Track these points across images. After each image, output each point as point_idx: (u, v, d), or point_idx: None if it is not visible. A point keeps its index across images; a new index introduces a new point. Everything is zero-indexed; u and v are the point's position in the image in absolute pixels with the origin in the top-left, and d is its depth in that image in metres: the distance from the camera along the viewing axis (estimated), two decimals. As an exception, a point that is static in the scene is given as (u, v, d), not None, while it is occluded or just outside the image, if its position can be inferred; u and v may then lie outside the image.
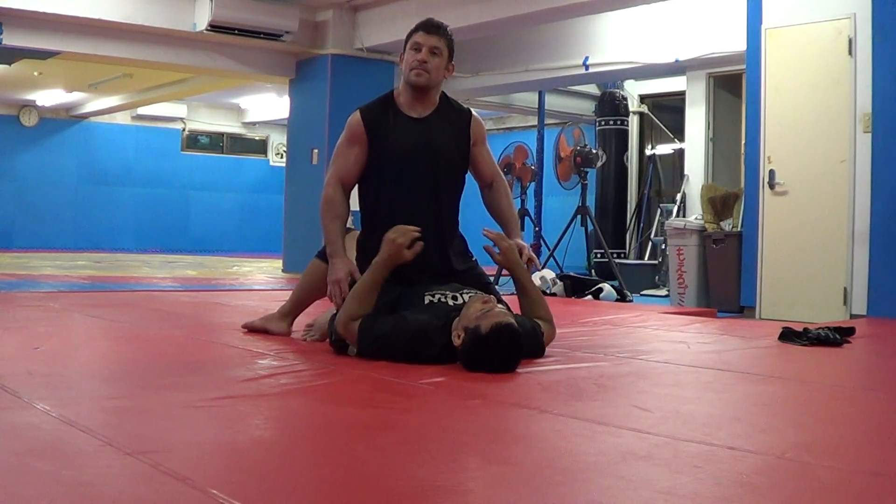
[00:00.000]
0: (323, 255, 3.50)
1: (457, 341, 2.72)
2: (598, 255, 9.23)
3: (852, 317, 5.47)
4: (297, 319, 3.59)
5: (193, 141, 16.12)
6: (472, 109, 3.28)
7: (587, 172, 8.79)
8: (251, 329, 3.61)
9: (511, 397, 2.41)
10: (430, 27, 3.11)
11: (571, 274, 7.47)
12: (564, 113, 11.77)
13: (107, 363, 2.99)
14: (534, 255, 3.12)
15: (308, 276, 3.51)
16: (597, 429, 1.98)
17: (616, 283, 7.54)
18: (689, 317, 5.06)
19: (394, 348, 2.79)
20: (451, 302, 2.87)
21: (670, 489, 1.50)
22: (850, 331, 3.80)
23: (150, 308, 4.77)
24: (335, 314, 3.17)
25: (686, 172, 9.00)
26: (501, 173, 3.36)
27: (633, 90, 11.21)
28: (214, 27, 8.32)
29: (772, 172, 6.07)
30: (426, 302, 2.87)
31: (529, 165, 9.57)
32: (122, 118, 15.25)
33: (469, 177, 3.32)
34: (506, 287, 4.19)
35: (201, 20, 8.34)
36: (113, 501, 1.39)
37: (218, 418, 2.03)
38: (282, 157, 14.90)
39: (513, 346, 2.71)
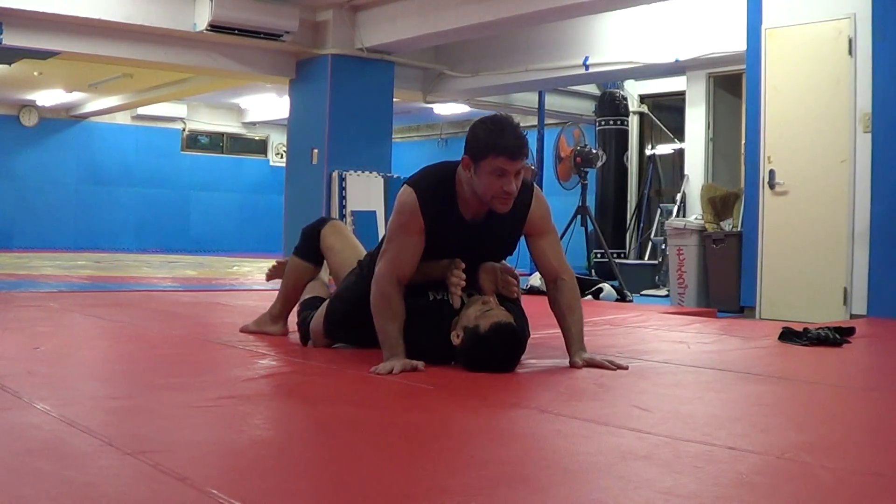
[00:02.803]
0: (300, 252, 3.45)
1: (456, 340, 2.72)
2: (598, 255, 9.23)
3: (852, 317, 5.47)
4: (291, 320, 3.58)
5: (193, 141, 16.12)
6: (534, 194, 2.86)
7: (587, 172, 8.80)
8: (248, 332, 3.60)
9: (511, 397, 2.42)
10: (517, 152, 2.64)
11: (571, 274, 7.45)
12: (564, 113, 11.77)
13: (107, 363, 2.99)
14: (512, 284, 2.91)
15: (291, 275, 3.47)
16: (597, 429, 1.98)
17: (616, 283, 7.54)
18: (689, 317, 5.06)
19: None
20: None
21: (670, 489, 1.50)
22: (850, 331, 3.80)
23: (150, 308, 4.77)
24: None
25: (686, 172, 9.01)
26: (569, 269, 2.94)
27: (633, 90, 11.21)
28: (214, 27, 8.32)
29: (772, 172, 6.07)
30: (430, 298, 2.86)
31: (529, 165, 9.57)
32: (122, 118, 15.24)
33: None
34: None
35: (201, 20, 8.34)
36: (113, 501, 1.39)
37: (218, 418, 2.03)
38: (282, 157, 14.90)
39: (512, 346, 2.71)
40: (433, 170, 2.87)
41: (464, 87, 10.34)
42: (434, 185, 2.78)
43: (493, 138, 2.64)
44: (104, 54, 8.66)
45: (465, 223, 2.80)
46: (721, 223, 6.98)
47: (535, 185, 2.93)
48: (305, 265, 3.43)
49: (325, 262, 3.44)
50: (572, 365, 2.82)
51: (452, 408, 2.26)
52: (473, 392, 2.43)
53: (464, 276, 2.78)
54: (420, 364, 2.65)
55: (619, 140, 10.82)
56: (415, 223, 2.75)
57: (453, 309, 2.81)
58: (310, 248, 3.42)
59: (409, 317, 2.77)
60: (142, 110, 14.89)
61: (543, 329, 3.35)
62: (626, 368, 2.81)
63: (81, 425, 1.85)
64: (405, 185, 2.82)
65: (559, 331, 2.92)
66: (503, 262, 3.03)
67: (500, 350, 2.68)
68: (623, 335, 3.97)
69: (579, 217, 8.62)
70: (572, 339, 2.87)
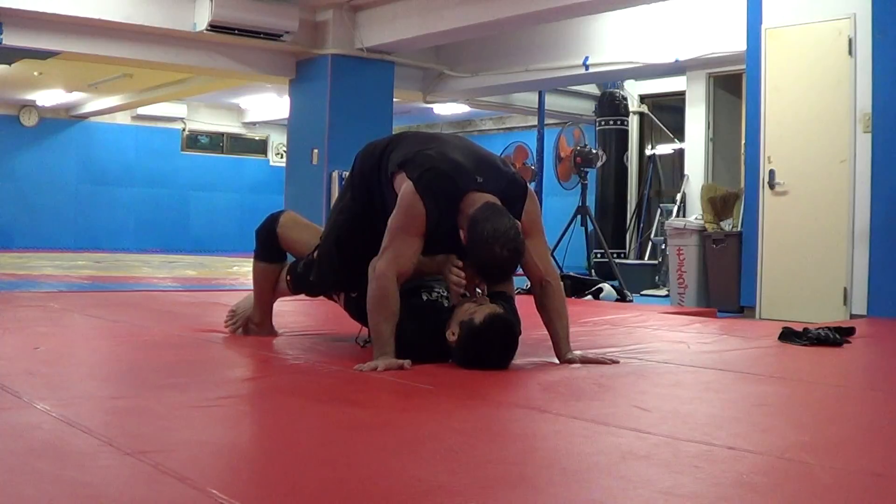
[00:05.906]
0: (261, 256, 3.40)
1: (451, 338, 2.73)
2: (598, 255, 9.23)
3: (852, 317, 5.47)
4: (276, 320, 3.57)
5: (193, 141, 16.12)
6: (528, 193, 2.89)
7: (587, 172, 8.80)
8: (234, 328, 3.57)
9: (511, 397, 2.42)
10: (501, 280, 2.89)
11: (571, 274, 7.47)
12: (564, 113, 11.76)
13: (107, 363, 2.99)
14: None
15: (260, 280, 3.43)
16: (597, 429, 1.98)
17: (616, 283, 7.54)
18: (689, 317, 5.06)
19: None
20: (445, 302, 2.89)
21: (670, 489, 1.50)
22: (850, 331, 3.80)
23: (150, 308, 4.77)
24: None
25: (686, 172, 9.00)
26: (555, 272, 2.98)
27: (633, 90, 11.21)
28: (214, 27, 8.31)
29: (772, 172, 6.07)
30: (424, 299, 2.87)
31: (529, 165, 9.58)
32: (122, 118, 15.24)
33: None
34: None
35: (201, 20, 8.33)
36: (113, 501, 1.39)
37: (218, 418, 2.03)
38: (282, 157, 14.90)
39: (508, 336, 2.75)
40: (442, 177, 2.76)
41: (464, 87, 10.33)
42: (443, 199, 2.74)
43: (484, 273, 2.74)
44: (104, 54, 8.65)
45: (460, 228, 2.78)
46: (721, 223, 6.98)
47: (528, 185, 2.95)
48: (271, 267, 3.40)
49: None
50: (567, 361, 2.87)
51: (452, 408, 2.26)
52: (473, 392, 2.43)
53: (463, 273, 2.79)
54: (406, 363, 2.68)
55: (619, 140, 10.82)
56: (419, 227, 2.75)
57: (445, 308, 2.83)
58: (270, 248, 3.38)
59: (404, 317, 2.78)
60: (142, 110, 14.89)
61: (542, 329, 3.34)
62: (618, 363, 2.92)
63: (81, 425, 1.85)
64: (412, 186, 2.74)
65: None
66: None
67: (497, 341, 2.71)
68: (623, 335, 3.97)
69: (579, 217, 8.62)
70: (561, 341, 2.93)
